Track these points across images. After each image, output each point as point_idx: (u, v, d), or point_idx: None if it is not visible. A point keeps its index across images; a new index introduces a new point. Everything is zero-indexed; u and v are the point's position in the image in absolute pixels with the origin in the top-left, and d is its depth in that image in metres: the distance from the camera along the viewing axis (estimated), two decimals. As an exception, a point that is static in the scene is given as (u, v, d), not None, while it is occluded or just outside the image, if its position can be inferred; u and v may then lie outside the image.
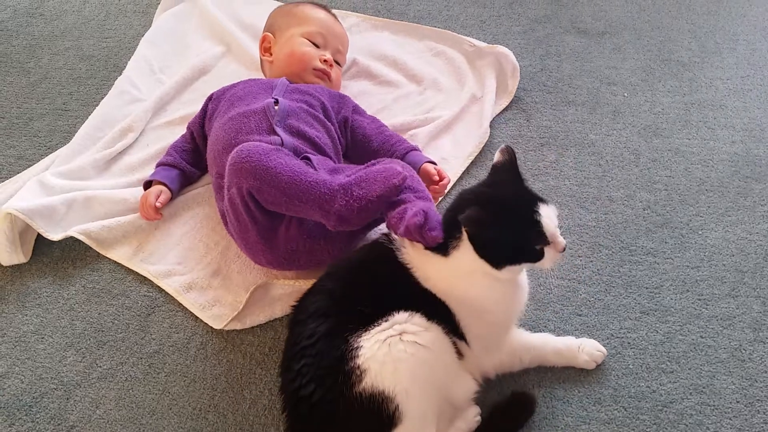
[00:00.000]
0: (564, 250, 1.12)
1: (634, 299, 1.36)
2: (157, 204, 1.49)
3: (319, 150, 1.44)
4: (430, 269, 1.16)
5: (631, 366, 1.26)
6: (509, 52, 1.80)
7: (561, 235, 1.13)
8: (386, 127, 1.61)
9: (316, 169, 1.32)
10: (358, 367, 1.05)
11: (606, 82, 1.83)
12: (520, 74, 1.79)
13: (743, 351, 1.28)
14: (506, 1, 2.11)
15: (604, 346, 1.27)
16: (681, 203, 1.53)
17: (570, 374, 1.25)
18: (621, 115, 1.74)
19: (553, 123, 1.73)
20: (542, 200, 1.13)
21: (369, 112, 1.67)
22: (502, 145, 1.20)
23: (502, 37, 1.97)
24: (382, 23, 2.03)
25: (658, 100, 1.77)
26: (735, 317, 1.33)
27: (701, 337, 1.30)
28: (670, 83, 1.82)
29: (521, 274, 1.21)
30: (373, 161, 1.35)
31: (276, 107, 1.47)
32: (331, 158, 1.45)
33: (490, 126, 1.70)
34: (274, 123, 1.43)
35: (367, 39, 1.98)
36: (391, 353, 1.05)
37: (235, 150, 1.26)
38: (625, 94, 1.79)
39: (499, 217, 1.09)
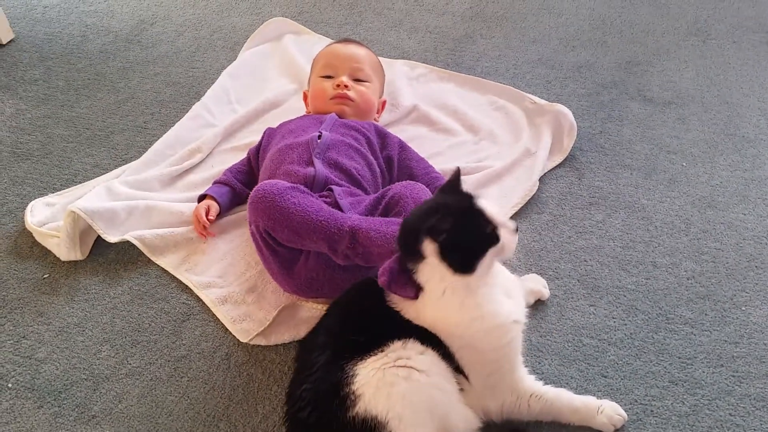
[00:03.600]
0: (517, 229, 1.15)
1: (665, 367, 1.32)
2: (210, 217, 1.58)
3: (355, 182, 1.50)
4: (417, 309, 1.16)
5: (651, 435, 1.21)
6: (568, 111, 1.81)
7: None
8: (433, 168, 1.65)
9: (337, 202, 1.39)
10: (353, 392, 1.07)
11: (665, 150, 1.80)
12: (578, 134, 1.79)
13: (775, 436, 1.21)
14: (575, 64, 2.13)
15: (626, 411, 1.23)
16: (727, 277, 1.48)
17: (585, 434, 1.22)
18: (677, 183, 1.71)
19: (605, 184, 1.71)
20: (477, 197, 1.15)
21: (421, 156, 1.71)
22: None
23: (566, 98, 1.98)
24: (448, 75, 2.08)
25: (717, 173, 1.73)
26: (770, 399, 1.26)
27: (730, 414, 1.24)
28: (732, 157, 1.78)
29: (508, 302, 1.19)
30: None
31: (319, 140, 1.55)
32: (365, 189, 1.51)
33: (540, 180, 1.70)
34: (314, 155, 1.51)
35: (431, 88, 2.04)
36: (385, 378, 1.07)
37: (254, 189, 1.35)
38: (684, 164, 1.76)
39: (447, 219, 1.11)
